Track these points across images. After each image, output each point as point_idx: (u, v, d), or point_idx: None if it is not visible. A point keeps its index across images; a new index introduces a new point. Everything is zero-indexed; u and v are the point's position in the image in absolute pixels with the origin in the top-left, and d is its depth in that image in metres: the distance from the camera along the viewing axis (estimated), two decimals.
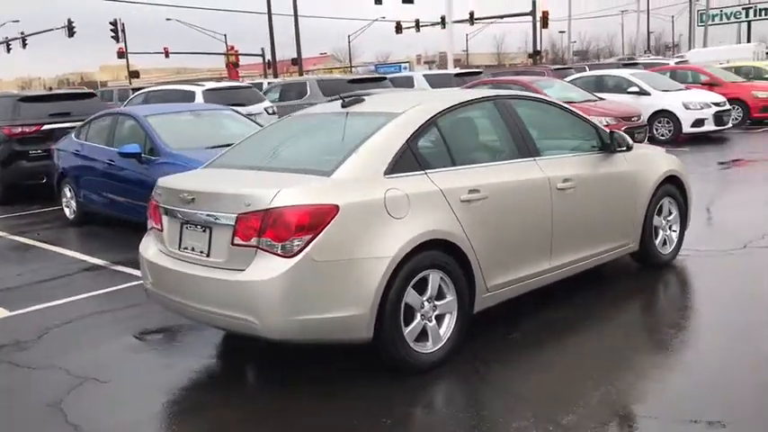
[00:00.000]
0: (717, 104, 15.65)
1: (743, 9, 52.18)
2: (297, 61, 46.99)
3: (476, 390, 4.22)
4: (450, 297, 4.47)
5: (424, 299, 4.34)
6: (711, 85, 17.82)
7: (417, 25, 55.66)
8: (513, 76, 17.27)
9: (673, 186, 6.29)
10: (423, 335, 4.36)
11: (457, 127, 4.96)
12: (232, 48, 55.16)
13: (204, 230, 4.38)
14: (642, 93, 15.65)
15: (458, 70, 23.24)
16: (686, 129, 15.25)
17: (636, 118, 13.64)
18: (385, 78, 17.80)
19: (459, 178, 4.62)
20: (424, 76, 19.27)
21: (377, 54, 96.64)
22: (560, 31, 78.09)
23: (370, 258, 4.09)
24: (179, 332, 5.33)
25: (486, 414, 3.85)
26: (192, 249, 4.46)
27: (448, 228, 4.43)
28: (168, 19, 54.16)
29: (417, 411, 4.00)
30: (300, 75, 42.31)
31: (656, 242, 6.20)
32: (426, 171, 4.50)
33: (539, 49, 52.68)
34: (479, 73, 20.09)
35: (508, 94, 5.56)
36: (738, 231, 7.35)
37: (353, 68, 73.04)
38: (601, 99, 14.58)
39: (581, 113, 5.89)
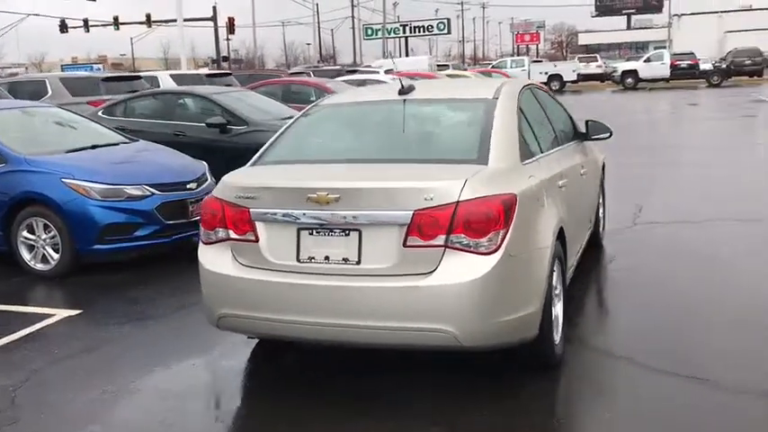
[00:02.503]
0: None
1: (400, 26, 58.07)
2: None
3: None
4: (560, 286, 4.47)
5: (556, 291, 4.28)
6: None
7: (86, 25, 51.18)
8: (305, 78, 17.08)
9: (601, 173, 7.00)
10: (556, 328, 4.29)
11: (530, 113, 4.95)
12: None
13: (347, 234, 3.74)
14: None
15: (208, 71, 22.25)
16: None
17: None
18: (140, 77, 16.28)
19: (551, 164, 4.64)
20: (171, 76, 18.04)
21: (29, 56, 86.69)
22: (228, 38, 78.34)
23: (538, 249, 3.93)
24: None
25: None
26: (326, 259, 3.77)
27: (563, 214, 4.44)
28: None
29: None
30: None
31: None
32: (536, 157, 4.44)
33: (225, 55, 52.28)
34: (229, 74, 19.46)
35: (537, 84, 5.68)
36: None
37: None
38: None
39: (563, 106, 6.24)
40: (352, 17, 65.80)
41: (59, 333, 5.33)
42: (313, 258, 3.80)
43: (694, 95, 32.07)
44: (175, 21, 53.38)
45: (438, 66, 39.28)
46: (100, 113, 10.86)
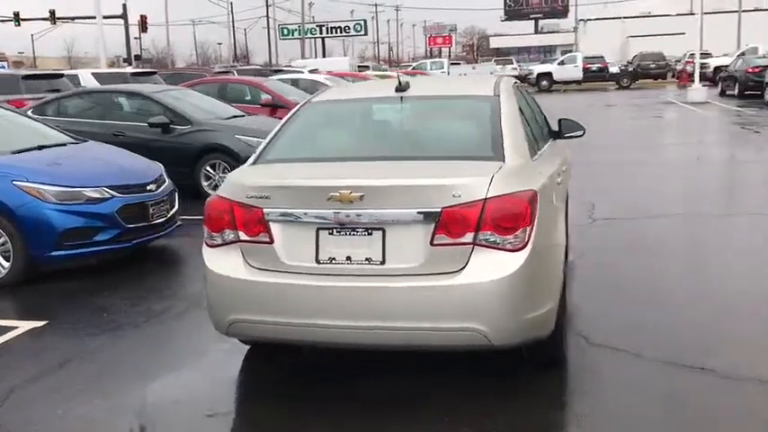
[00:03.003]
0: None
1: (317, 26, 57.76)
2: None
3: None
4: None
5: None
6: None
7: None
8: (240, 77, 16.63)
9: None
10: None
11: (525, 110, 4.93)
12: None
13: (370, 233, 3.62)
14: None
15: (133, 70, 21.34)
16: None
17: None
18: (63, 75, 15.47)
19: (550, 161, 4.65)
20: (94, 74, 17.23)
21: None
22: (135, 37, 75.76)
23: (555, 245, 3.94)
24: None
25: None
26: (348, 259, 3.63)
27: (564, 210, 4.48)
28: None
29: None
30: None
31: None
32: (539, 154, 4.44)
33: (138, 53, 50.54)
34: (154, 73, 18.74)
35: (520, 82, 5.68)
36: None
37: None
38: None
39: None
40: (267, 17, 64.96)
41: (27, 347, 4.95)
42: (334, 259, 3.66)
43: (607, 97, 33.33)
44: (83, 18, 51.32)
45: (359, 67, 39.26)
46: (29, 113, 10.23)
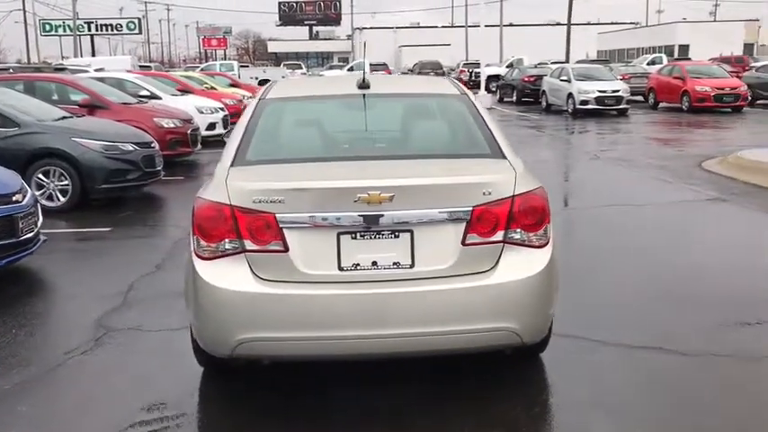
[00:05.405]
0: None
1: (85, 23, 53.57)
2: None
3: None
4: None
5: None
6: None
7: None
8: (49, 74, 14.60)
9: None
10: None
11: None
12: None
13: (396, 236, 3.41)
14: (153, 97, 15.43)
15: None
16: (204, 132, 15.82)
17: (193, 120, 13.63)
18: None
19: None
20: None
21: None
22: None
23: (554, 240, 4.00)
24: None
25: None
26: (374, 264, 3.40)
27: None
28: None
29: None
30: None
31: None
32: None
33: None
34: None
35: None
36: None
37: None
38: (153, 99, 14.33)
39: None
40: (24, 11, 58.93)
41: None
42: (358, 265, 3.40)
43: None
44: None
45: (141, 66, 37.05)
46: None
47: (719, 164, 11.60)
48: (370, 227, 3.39)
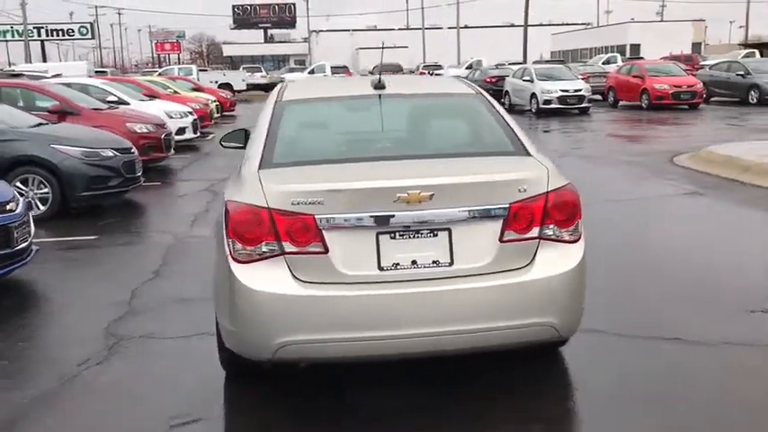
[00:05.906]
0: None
1: (35, 28, 52.29)
2: None
3: None
4: None
5: None
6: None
7: None
8: (10, 80, 14.18)
9: None
10: None
11: None
12: None
13: (435, 234, 3.43)
14: (122, 102, 15.15)
15: None
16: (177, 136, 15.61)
17: (166, 125, 13.41)
18: None
19: None
20: None
21: None
22: None
23: None
24: None
25: None
26: (414, 263, 3.41)
27: None
28: None
29: None
30: None
31: None
32: None
33: None
34: None
35: None
36: None
37: None
38: (122, 105, 14.11)
39: None
40: None
41: None
42: (398, 265, 3.40)
43: None
44: None
45: (96, 72, 36.34)
46: None
47: (690, 159, 11.90)
48: (408, 226, 3.40)
